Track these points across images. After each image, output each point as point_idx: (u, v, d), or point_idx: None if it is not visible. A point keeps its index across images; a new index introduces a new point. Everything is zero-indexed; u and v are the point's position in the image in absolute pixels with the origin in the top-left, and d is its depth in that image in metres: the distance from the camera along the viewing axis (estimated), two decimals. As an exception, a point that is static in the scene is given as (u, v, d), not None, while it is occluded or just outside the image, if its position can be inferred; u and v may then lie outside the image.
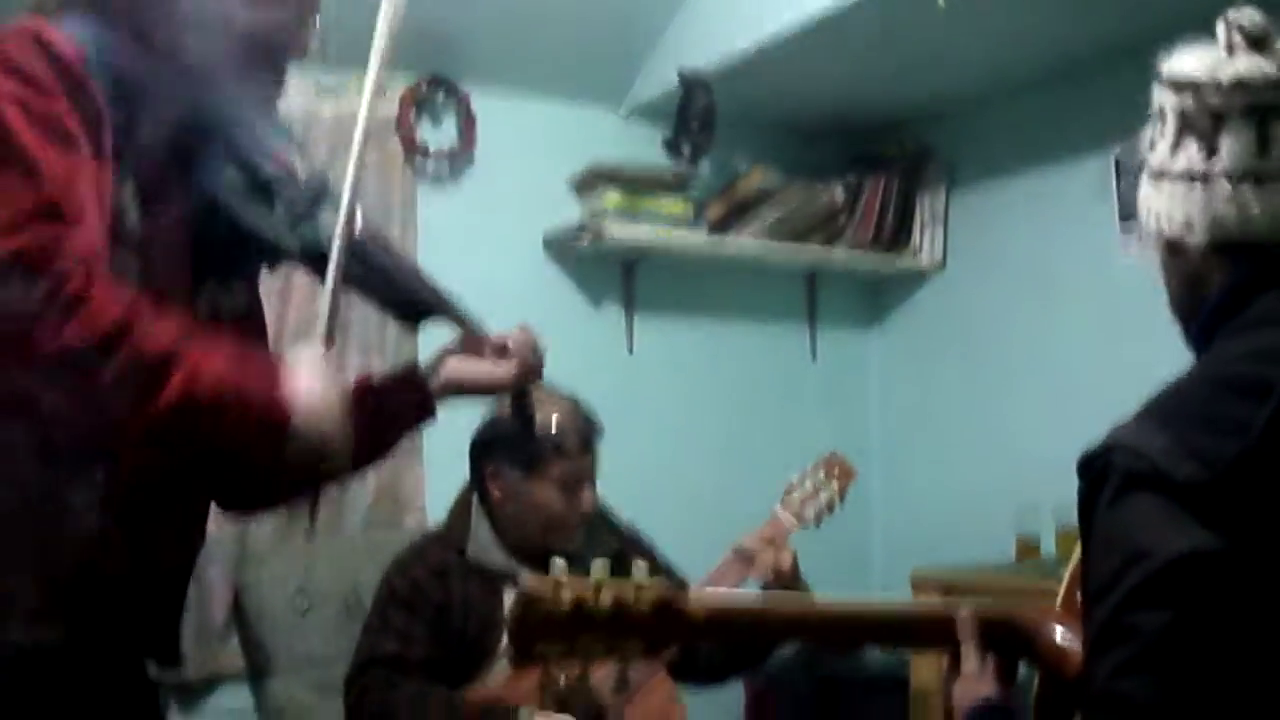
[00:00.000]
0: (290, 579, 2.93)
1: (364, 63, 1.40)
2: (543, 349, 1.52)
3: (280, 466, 1.23)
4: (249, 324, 1.45)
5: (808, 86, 3.44)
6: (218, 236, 1.27)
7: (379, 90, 1.40)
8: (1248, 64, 1.13)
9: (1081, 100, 3.27)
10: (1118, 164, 3.16)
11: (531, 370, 1.51)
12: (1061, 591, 1.23)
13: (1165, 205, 1.15)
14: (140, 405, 1.13)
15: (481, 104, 3.35)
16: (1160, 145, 1.17)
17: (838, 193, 3.68)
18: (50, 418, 1.16)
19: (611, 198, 3.36)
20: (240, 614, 2.94)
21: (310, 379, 1.23)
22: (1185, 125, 1.14)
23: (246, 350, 1.24)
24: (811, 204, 3.63)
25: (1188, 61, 1.16)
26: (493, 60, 3.28)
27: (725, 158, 3.66)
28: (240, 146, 1.34)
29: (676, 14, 3.36)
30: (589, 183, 3.44)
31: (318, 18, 1.37)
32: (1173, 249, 1.17)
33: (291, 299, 2.95)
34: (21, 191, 1.13)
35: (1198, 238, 1.13)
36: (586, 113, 3.55)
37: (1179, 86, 1.15)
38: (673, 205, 3.46)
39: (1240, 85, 1.12)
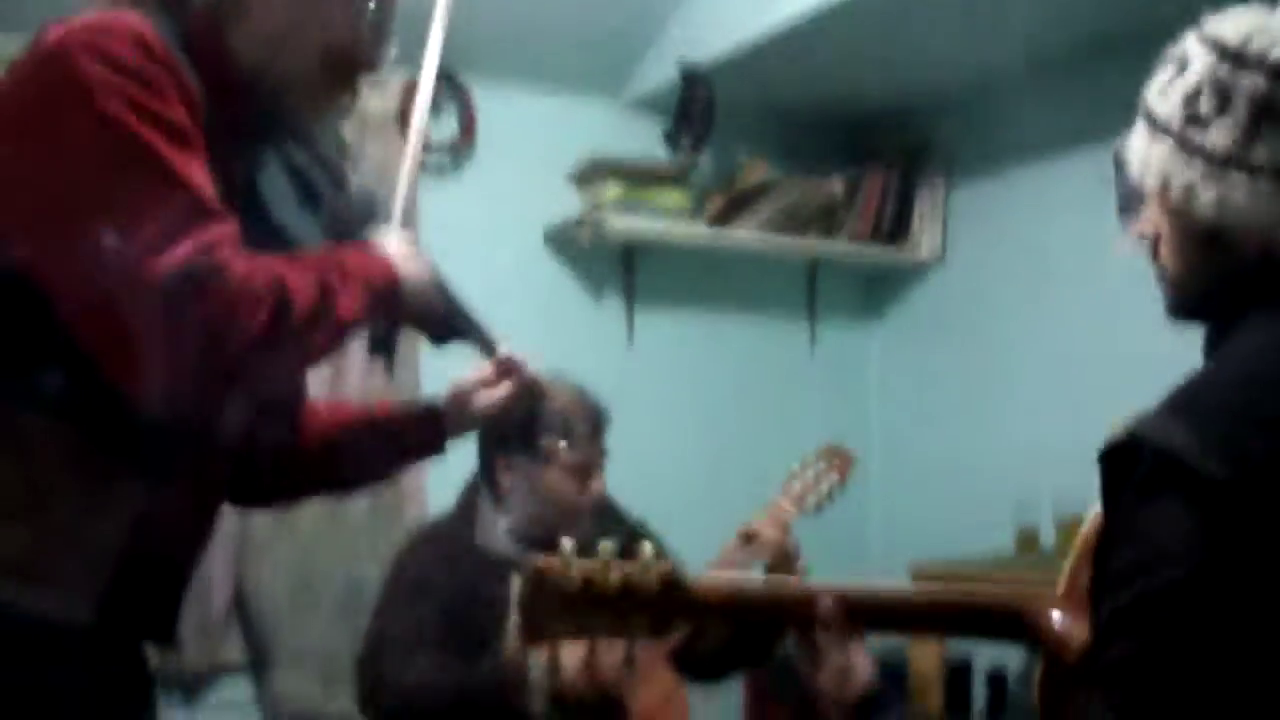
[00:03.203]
0: (291, 571, 2.94)
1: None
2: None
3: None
4: None
5: (808, 79, 3.44)
6: (255, 239, 1.28)
7: (431, 86, 1.59)
8: None
9: (1081, 93, 3.27)
10: (1117, 157, 3.16)
11: (527, 388, 1.61)
12: (1062, 580, 1.24)
13: (1242, 200, 1.09)
14: (303, 356, 1.23)
15: (482, 96, 3.35)
16: (1222, 126, 1.10)
17: (837, 185, 3.68)
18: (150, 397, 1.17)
19: (612, 190, 3.37)
20: (241, 605, 2.95)
21: (399, 249, 1.36)
22: (1266, 114, 1.08)
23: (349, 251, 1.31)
24: (811, 196, 3.63)
25: (1261, 39, 1.09)
26: (493, 53, 3.28)
27: (725, 150, 3.66)
28: (297, 155, 1.36)
29: (677, 7, 3.36)
30: (589, 175, 3.44)
31: (392, 36, 1.37)
32: (1214, 240, 1.12)
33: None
34: (167, 198, 1.13)
35: None
36: (587, 105, 3.55)
37: (1270, 72, 1.08)
38: (673, 198, 3.46)
39: None
